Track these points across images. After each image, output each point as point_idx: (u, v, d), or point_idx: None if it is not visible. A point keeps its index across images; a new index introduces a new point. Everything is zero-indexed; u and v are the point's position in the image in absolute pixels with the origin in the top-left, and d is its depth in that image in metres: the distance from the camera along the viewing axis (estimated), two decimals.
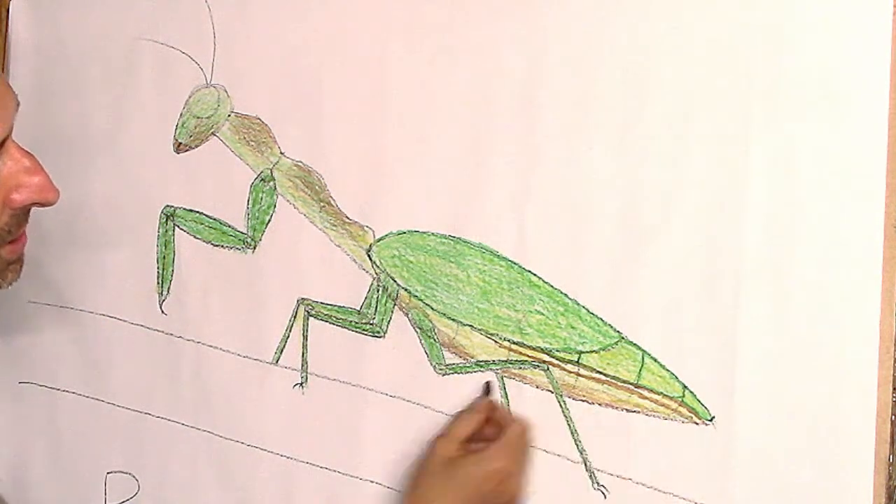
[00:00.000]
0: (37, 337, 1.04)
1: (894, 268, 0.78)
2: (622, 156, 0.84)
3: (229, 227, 0.97)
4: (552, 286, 0.86)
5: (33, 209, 0.81)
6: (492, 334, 0.88)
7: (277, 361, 0.95)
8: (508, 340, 0.88)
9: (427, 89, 0.91)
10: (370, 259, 0.92)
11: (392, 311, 0.91)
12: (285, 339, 0.95)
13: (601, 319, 0.85)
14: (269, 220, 0.96)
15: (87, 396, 1.02)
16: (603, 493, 0.84)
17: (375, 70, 0.92)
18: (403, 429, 0.89)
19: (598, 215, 0.85)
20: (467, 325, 0.89)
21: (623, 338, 0.84)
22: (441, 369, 0.90)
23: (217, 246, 0.98)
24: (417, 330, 0.91)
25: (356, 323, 0.92)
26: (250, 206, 0.96)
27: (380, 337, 0.92)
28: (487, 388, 0.88)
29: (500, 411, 0.86)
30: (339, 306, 0.93)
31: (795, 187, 0.80)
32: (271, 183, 0.96)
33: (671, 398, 0.83)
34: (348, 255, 0.93)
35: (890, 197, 0.78)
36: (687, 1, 0.83)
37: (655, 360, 0.83)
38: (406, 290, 0.91)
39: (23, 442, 1.04)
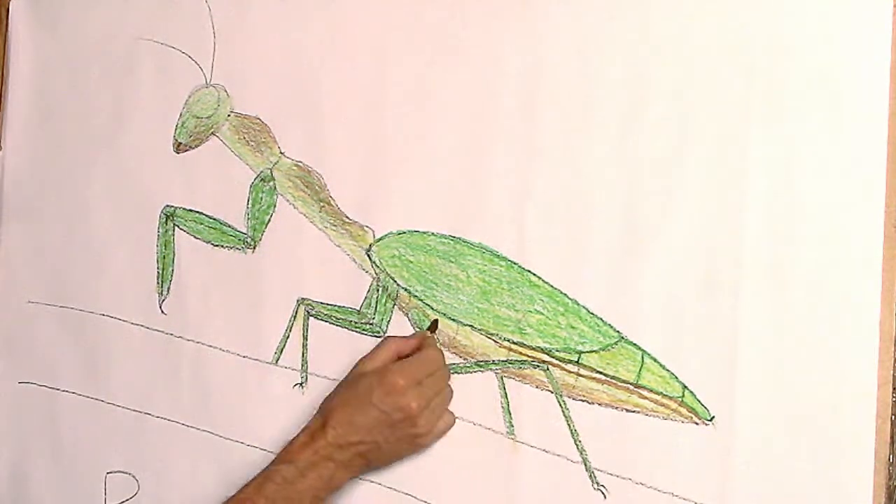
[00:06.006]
0: (37, 337, 1.04)
1: (894, 268, 0.78)
2: (622, 156, 0.84)
3: (229, 227, 0.97)
4: (552, 286, 0.86)
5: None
6: (492, 334, 0.88)
7: (277, 361, 0.95)
8: (508, 340, 0.88)
9: (427, 89, 0.91)
10: (370, 259, 0.92)
11: (392, 311, 0.91)
12: (285, 339, 0.95)
13: (601, 319, 0.85)
14: (269, 220, 0.96)
15: (87, 396, 1.02)
16: (603, 493, 0.84)
17: (375, 70, 0.92)
18: None
19: (598, 215, 0.85)
20: (467, 325, 0.89)
21: (623, 338, 0.84)
22: None
23: (217, 246, 0.98)
24: (417, 330, 0.91)
25: (356, 323, 0.92)
26: (250, 206, 0.96)
27: (380, 337, 0.92)
28: (433, 325, 0.89)
29: (432, 343, 0.87)
30: (339, 306, 0.93)
31: (795, 187, 0.80)
32: (271, 183, 0.96)
33: (671, 398, 0.83)
34: (348, 255, 0.93)
35: (890, 197, 0.78)
36: (687, 1, 0.83)
37: (655, 360, 0.83)
38: (406, 290, 0.91)
39: (23, 442, 1.04)
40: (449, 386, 0.87)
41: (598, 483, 0.84)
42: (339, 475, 0.83)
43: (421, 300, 0.90)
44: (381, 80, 0.92)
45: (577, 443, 0.85)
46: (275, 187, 0.96)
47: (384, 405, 0.82)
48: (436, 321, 0.89)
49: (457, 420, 0.88)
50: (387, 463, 0.87)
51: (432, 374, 0.84)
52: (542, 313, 0.87)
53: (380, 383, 0.82)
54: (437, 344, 0.88)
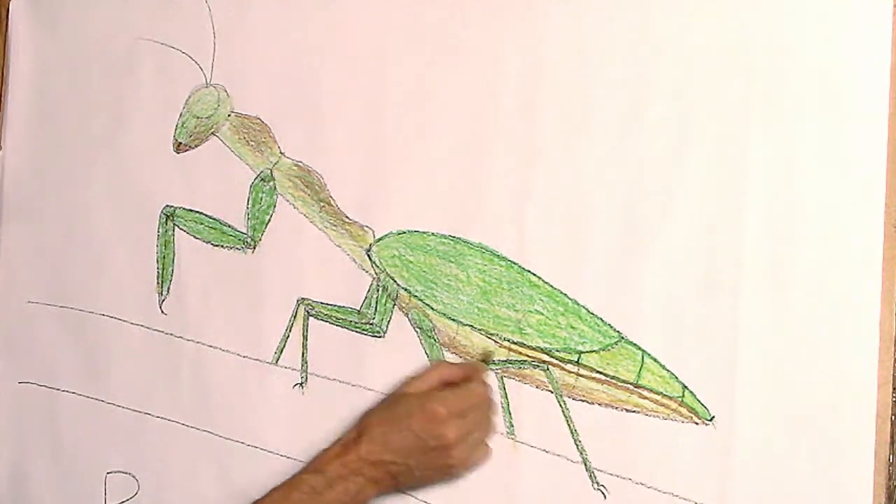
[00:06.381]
0: (37, 337, 1.04)
1: (894, 268, 0.78)
2: (622, 156, 0.84)
3: (229, 227, 0.97)
4: (552, 286, 0.86)
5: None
6: (492, 334, 0.88)
7: (277, 361, 0.95)
8: (508, 340, 0.88)
9: (427, 89, 0.91)
10: (370, 259, 0.92)
11: (392, 311, 0.91)
12: (285, 339, 0.95)
13: (601, 319, 0.85)
14: (269, 220, 0.96)
15: (87, 396, 1.02)
16: (603, 494, 0.84)
17: (375, 70, 0.92)
18: None
19: (598, 215, 0.85)
20: (467, 325, 0.89)
21: (623, 338, 0.84)
22: None
23: (217, 246, 0.98)
24: (417, 330, 0.91)
25: (356, 323, 0.92)
26: (250, 206, 0.96)
27: (380, 337, 0.92)
28: (484, 358, 0.88)
29: (481, 376, 0.86)
30: (339, 306, 0.93)
31: (795, 187, 0.80)
32: (271, 183, 0.96)
33: (671, 398, 0.83)
34: (348, 255, 0.93)
35: (890, 197, 0.78)
36: (687, 1, 0.83)
37: (655, 360, 0.83)
38: (406, 290, 0.91)
39: (23, 442, 1.04)
40: (491, 419, 0.86)
41: (598, 483, 0.84)
42: (366, 491, 0.81)
43: (421, 300, 0.90)
44: (381, 80, 0.92)
45: (577, 443, 0.85)
46: (275, 187, 0.96)
47: (422, 431, 0.81)
48: (490, 354, 0.88)
49: None
50: (416, 487, 0.86)
51: (475, 407, 0.83)
52: (542, 313, 0.87)
53: (421, 409, 0.81)
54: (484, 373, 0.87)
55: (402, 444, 0.81)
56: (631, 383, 0.84)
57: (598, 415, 0.85)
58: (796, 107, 0.80)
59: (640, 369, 0.83)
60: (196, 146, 0.99)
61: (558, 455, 0.85)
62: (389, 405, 0.84)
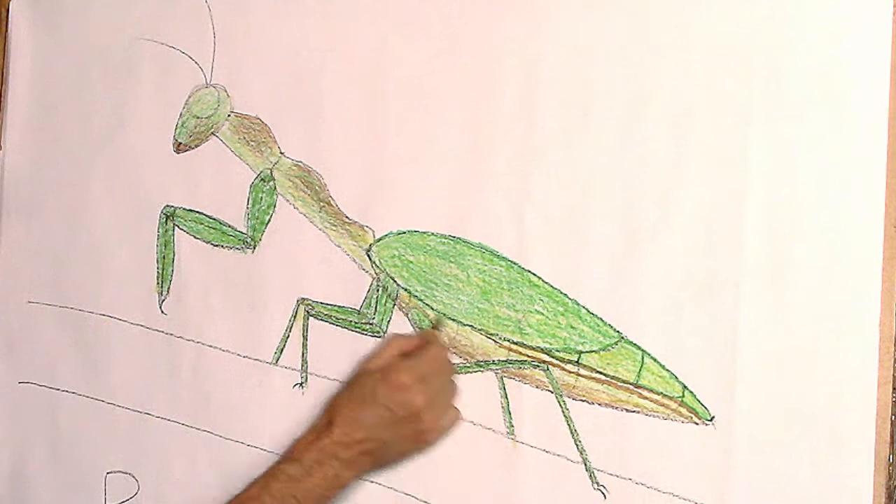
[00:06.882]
0: (37, 337, 1.04)
1: (894, 268, 0.78)
2: (622, 156, 0.84)
3: (229, 227, 0.97)
4: (552, 286, 0.86)
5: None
6: (492, 334, 0.88)
7: (277, 361, 0.95)
8: (508, 340, 0.88)
9: (427, 89, 0.91)
10: (370, 259, 0.92)
11: (392, 311, 0.91)
12: (285, 339, 0.95)
13: (601, 319, 0.85)
14: (269, 220, 0.96)
15: (87, 396, 1.02)
16: (603, 493, 0.84)
17: (375, 70, 0.92)
18: None
19: (598, 215, 0.85)
20: (467, 325, 0.89)
21: (623, 338, 0.84)
22: None
23: (217, 246, 0.98)
24: (417, 330, 0.91)
25: (356, 323, 0.92)
26: (250, 206, 0.97)
27: (380, 337, 0.92)
28: (435, 324, 0.89)
29: (437, 341, 0.87)
30: (339, 306, 0.93)
31: (795, 187, 0.80)
32: (271, 183, 0.96)
33: (671, 398, 0.83)
34: (348, 255, 0.93)
35: (890, 197, 0.78)
36: (687, 1, 0.83)
37: (655, 360, 0.83)
38: (406, 290, 0.91)
39: (23, 442, 1.04)
40: (454, 381, 0.87)
41: (598, 483, 0.84)
42: (344, 474, 0.82)
43: (421, 300, 0.90)
44: (381, 80, 0.92)
45: (577, 443, 0.85)
46: (275, 187, 0.96)
47: (389, 402, 0.82)
48: (440, 319, 0.89)
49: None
50: (393, 462, 0.87)
51: (437, 371, 0.85)
52: (542, 313, 0.87)
53: (384, 380, 0.82)
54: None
55: (373, 419, 0.82)
56: (631, 383, 0.84)
57: (598, 415, 0.85)
58: (796, 107, 0.80)
59: (640, 369, 0.83)
60: (196, 146, 0.99)
61: (558, 455, 0.85)
62: (353, 385, 0.85)
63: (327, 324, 0.93)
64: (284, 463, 0.82)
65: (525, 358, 0.87)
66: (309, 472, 0.81)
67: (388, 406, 0.82)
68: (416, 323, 0.91)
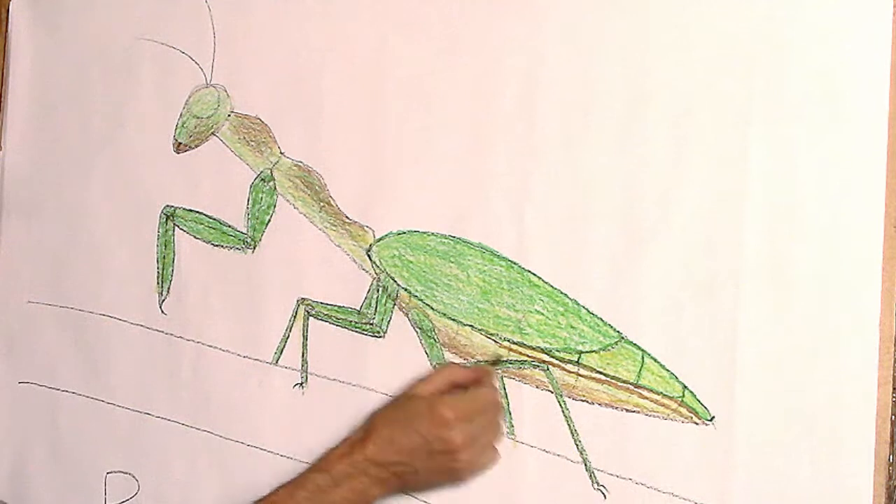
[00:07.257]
0: (37, 337, 1.04)
1: (894, 268, 0.78)
2: (622, 156, 0.84)
3: (229, 227, 0.97)
4: (552, 286, 0.86)
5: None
6: (492, 334, 0.88)
7: (277, 361, 0.95)
8: (508, 340, 0.88)
9: (427, 89, 0.91)
10: (370, 259, 0.92)
11: (392, 311, 0.91)
12: (285, 339, 0.95)
13: (601, 319, 0.85)
14: (269, 220, 0.96)
15: (87, 396, 1.02)
16: (603, 493, 0.84)
17: (375, 70, 0.92)
18: None
19: (598, 215, 0.85)
20: (467, 325, 0.89)
21: (623, 338, 0.84)
22: None
23: (217, 246, 0.98)
24: (417, 330, 0.91)
25: (356, 323, 0.92)
26: (250, 206, 0.97)
27: (380, 337, 0.92)
28: (494, 361, 0.87)
29: (490, 379, 0.86)
30: (339, 306, 0.93)
31: (795, 187, 0.80)
32: (271, 183, 0.96)
33: (671, 398, 0.83)
34: (348, 255, 0.93)
35: (890, 197, 0.78)
36: (687, 1, 0.83)
37: (655, 360, 0.83)
38: (406, 290, 0.91)
39: (23, 442, 1.04)
40: (499, 423, 0.86)
41: (598, 483, 0.84)
42: (372, 491, 0.81)
43: (421, 300, 0.91)
44: (381, 80, 0.92)
45: (577, 443, 0.85)
46: (275, 187, 0.96)
47: (428, 434, 0.80)
48: (499, 357, 0.88)
49: None
50: (422, 489, 0.86)
51: (482, 410, 0.83)
52: (542, 313, 0.87)
53: (429, 412, 0.81)
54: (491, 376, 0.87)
55: (409, 446, 0.81)
56: (631, 383, 0.84)
57: (598, 415, 0.85)
58: (796, 107, 0.80)
59: (640, 369, 0.83)
60: (196, 146, 0.99)
61: (558, 455, 0.85)
62: (397, 406, 0.84)
63: (327, 324, 0.93)
64: (314, 472, 0.82)
65: (525, 358, 0.87)
66: (337, 484, 0.80)
67: (427, 438, 0.80)
68: (416, 323, 0.91)
